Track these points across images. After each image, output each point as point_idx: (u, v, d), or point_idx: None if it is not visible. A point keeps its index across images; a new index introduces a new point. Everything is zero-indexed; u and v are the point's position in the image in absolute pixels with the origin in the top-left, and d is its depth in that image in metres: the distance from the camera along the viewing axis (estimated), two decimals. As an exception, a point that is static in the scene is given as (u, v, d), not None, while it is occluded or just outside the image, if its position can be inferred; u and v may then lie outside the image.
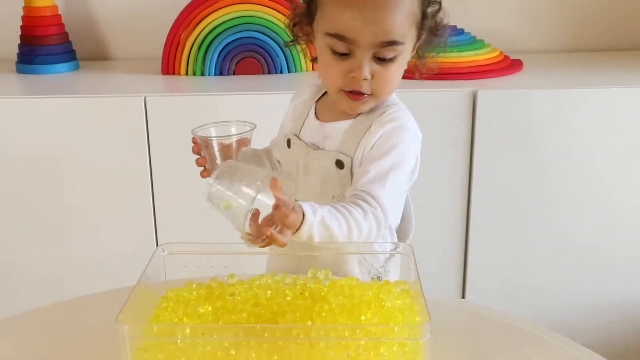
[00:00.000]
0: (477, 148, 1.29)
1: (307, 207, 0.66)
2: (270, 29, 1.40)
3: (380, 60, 0.74)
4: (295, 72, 1.44)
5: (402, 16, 0.72)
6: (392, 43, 0.73)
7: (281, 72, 1.43)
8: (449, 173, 1.30)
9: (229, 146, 0.80)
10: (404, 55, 0.76)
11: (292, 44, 0.85)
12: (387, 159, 0.75)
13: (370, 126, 0.78)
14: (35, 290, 1.34)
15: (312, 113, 0.84)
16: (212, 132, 0.80)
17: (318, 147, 0.82)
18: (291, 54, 1.42)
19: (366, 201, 0.72)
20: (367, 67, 0.73)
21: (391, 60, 0.74)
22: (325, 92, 0.84)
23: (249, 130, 0.80)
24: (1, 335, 0.73)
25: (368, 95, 0.76)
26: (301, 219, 0.65)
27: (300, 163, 0.83)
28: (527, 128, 1.30)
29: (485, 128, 1.28)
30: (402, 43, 0.74)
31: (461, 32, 1.45)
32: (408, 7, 0.73)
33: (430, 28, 0.78)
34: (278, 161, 0.91)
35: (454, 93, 1.28)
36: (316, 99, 0.85)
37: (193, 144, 0.82)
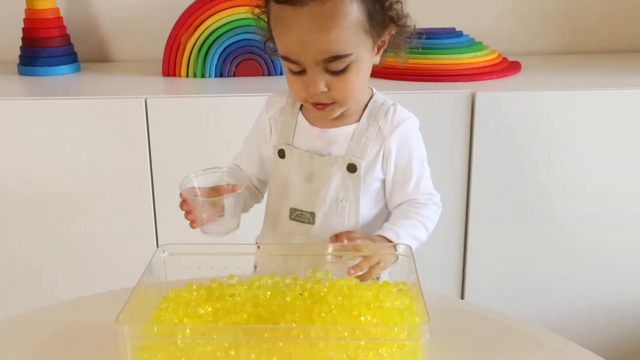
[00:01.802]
0: (475, 149, 1.29)
1: (391, 236, 0.79)
2: (271, 31, 1.40)
3: (333, 72, 0.75)
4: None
5: (340, 31, 0.72)
6: (336, 58, 0.74)
7: (281, 73, 1.44)
8: (447, 174, 1.30)
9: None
10: (359, 61, 0.76)
11: (272, 55, 0.86)
12: (415, 165, 0.83)
13: (379, 128, 0.82)
14: (35, 290, 1.34)
15: (302, 121, 0.84)
16: (201, 182, 0.81)
17: (323, 154, 0.83)
18: (291, 56, 1.43)
19: (424, 202, 0.84)
20: (321, 81, 0.75)
21: (343, 71, 0.75)
22: None
23: (240, 192, 0.79)
24: (1, 335, 0.73)
25: (332, 103, 0.78)
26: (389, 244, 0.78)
27: (300, 171, 0.84)
28: (525, 129, 1.30)
29: (483, 129, 1.28)
30: (349, 54, 0.74)
31: (460, 34, 1.45)
32: (346, 21, 0.72)
33: (392, 19, 0.78)
34: (258, 180, 0.91)
35: (453, 95, 1.28)
36: (299, 106, 0.85)
37: (181, 200, 0.81)
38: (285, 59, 0.76)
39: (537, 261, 1.37)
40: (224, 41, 1.40)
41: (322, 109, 0.79)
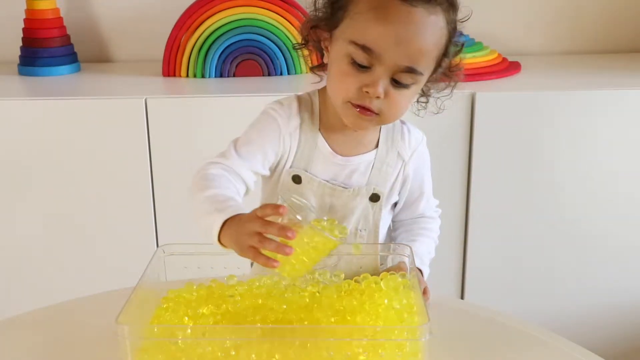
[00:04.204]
0: (475, 150, 1.29)
1: (424, 269, 0.82)
2: (270, 32, 1.40)
3: (397, 83, 0.72)
4: (295, 74, 1.45)
5: (431, 45, 0.71)
6: (413, 70, 0.71)
7: (281, 74, 1.44)
8: (448, 174, 1.30)
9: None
10: (418, 85, 0.74)
11: (301, 47, 0.81)
12: (427, 182, 0.86)
13: (397, 153, 0.81)
14: (35, 290, 1.34)
15: (324, 146, 0.79)
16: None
17: (345, 186, 0.79)
18: (291, 56, 1.43)
19: (431, 215, 0.87)
20: (383, 85, 0.71)
21: (406, 87, 0.72)
22: (322, 119, 0.79)
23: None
24: (1, 335, 0.73)
25: (375, 114, 0.73)
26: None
27: (319, 203, 0.80)
28: (525, 130, 1.30)
29: (483, 130, 1.28)
30: (422, 74, 0.72)
31: (459, 34, 1.45)
32: (438, 38, 0.72)
33: (445, 68, 0.76)
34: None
35: (453, 95, 1.28)
36: (317, 126, 0.79)
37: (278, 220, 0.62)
38: (362, 47, 0.69)
39: (537, 261, 1.37)
40: (224, 41, 1.40)
41: (363, 115, 0.73)
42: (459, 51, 0.77)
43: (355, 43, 0.70)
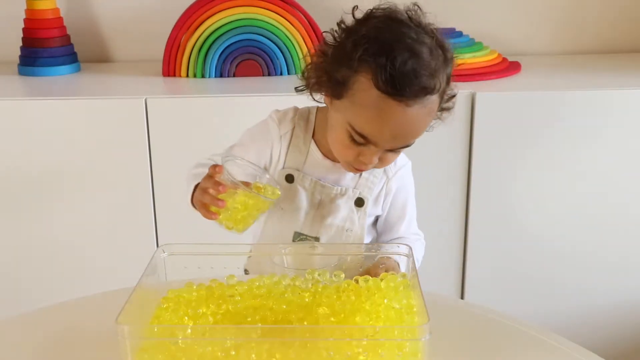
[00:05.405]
0: (475, 150, 1.29)
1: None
2: (270, 32, 1.40)
3: (391, 151, 0.78)
4: (295, 74, 1.45)
5: (425, 127, 0.76)
6: (407, 146, 0.78)
7: (281, 74, 1.44)
8: (448, 174, 1.30)
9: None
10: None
11: (302, 91, 0.83)
12: (409, 206, 0.89)
13: (384, 169, 0.86)
14: (35, 290, 1.34)
15: (315, 151, 0.85)
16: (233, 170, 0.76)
17: (333, 185, 0.85)
18: (291, 56, 1.43)
19: (414, 239, 0.90)
20: (377, 156, 0.77)
21: (400, 151, 0.79)
22: (317, 131, 0.85)
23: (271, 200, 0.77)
24: (1, 335, 0.73)
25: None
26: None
27: (309, 198, 0.85)
28: (525, 130, 1.30)
29: (483, 130, 1.28)
30: (414, 142, 0.78)
31: (459, 34, 1.45)
32: (430, 120, 0.76)
33: (444, 108, 0.79)
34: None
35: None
36: (311, 133, 0.85)
37: (215, 179, 0.73)
38: (360, 134, 0.74)
39: (536, 262, 1.37)
40: (224, 41, 1.40)
41: (359, 170, 0.81)
42: (453, 96, 0.79)
43: (353, 128, 0.75)
